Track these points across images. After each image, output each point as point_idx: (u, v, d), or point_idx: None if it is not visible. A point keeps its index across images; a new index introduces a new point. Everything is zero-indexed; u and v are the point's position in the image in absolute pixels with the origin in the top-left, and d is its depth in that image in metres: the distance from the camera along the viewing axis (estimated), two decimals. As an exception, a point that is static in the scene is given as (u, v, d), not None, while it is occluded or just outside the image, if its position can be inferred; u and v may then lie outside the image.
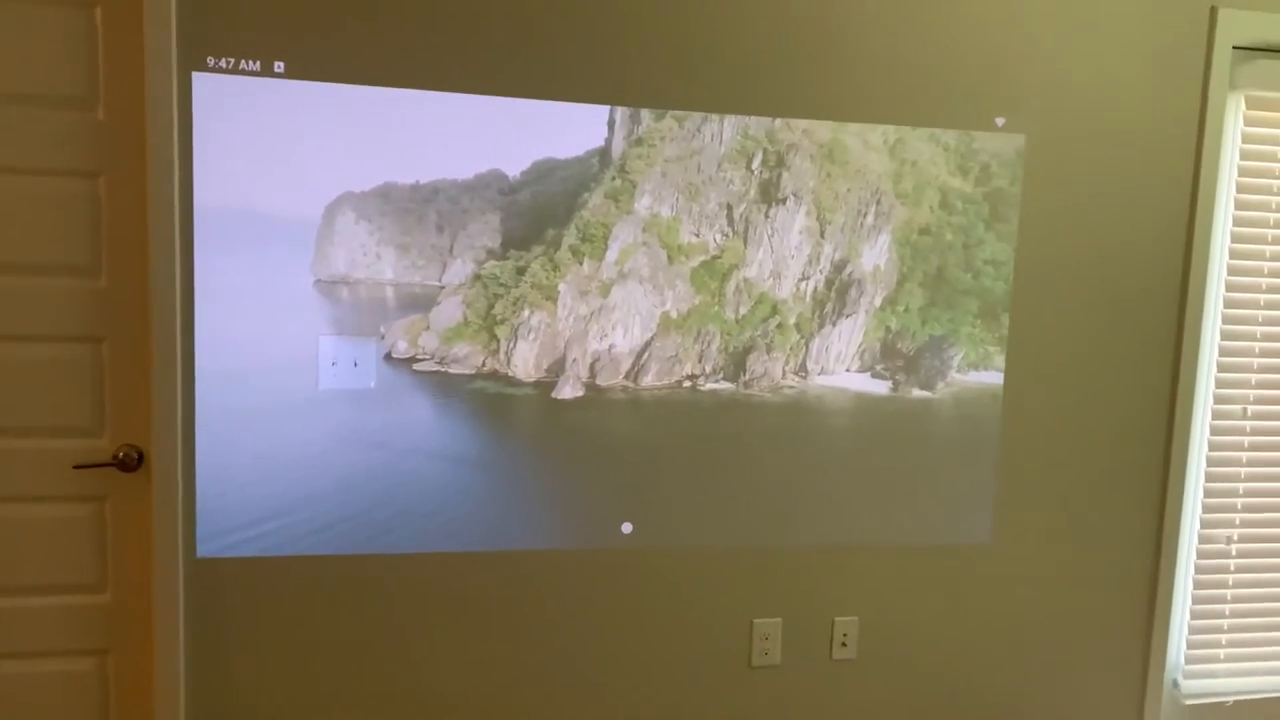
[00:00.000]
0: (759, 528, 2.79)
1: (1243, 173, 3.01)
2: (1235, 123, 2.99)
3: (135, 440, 2.45)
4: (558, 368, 2.63)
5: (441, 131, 2.47)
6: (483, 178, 2.51)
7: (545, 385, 2.63)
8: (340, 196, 2.44)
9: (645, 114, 2.59)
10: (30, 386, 2.40)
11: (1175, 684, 3.16)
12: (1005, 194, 2.82)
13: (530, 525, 2.66)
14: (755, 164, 2.67)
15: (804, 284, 2.75)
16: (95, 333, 2.41)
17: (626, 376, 2.67)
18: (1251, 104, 3.00)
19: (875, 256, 2.77)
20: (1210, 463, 3.09)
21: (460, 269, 2.54)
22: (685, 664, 2.80)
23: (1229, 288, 3.04)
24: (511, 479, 2.63)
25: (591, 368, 2.65)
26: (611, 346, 2.65)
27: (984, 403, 2.89)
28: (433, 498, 2.58)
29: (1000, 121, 2.79)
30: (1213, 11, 2.87)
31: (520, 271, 2.57)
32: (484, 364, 2.59)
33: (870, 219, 2.76)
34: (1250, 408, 3.10)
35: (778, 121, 2.67)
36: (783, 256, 2.72)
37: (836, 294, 2.77)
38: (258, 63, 2.36)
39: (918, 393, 2.85)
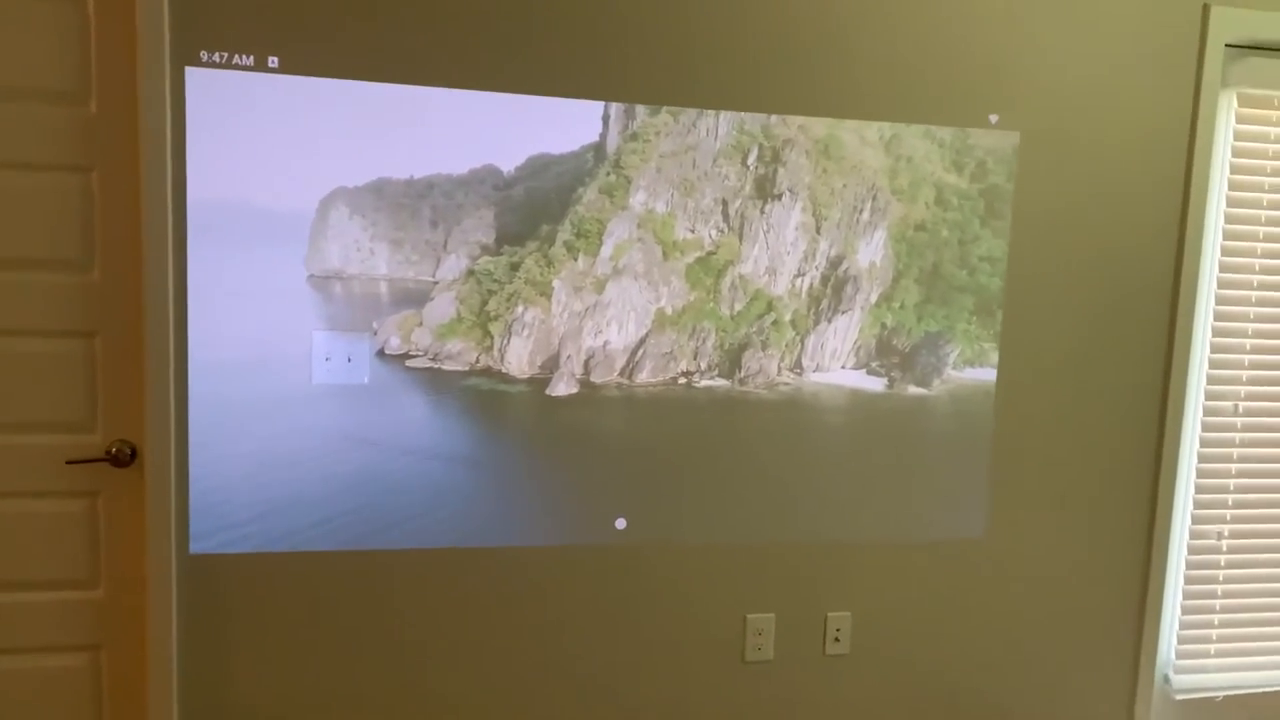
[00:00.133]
0: (753, 523, 2.80)
1: (1235, 170, 3.02)
2: (1227, 120, 3.00)
3: (128, 435, 2.44)
4: (552, 364, 2.62)
5: (436, 127, 2.46)
6: (477, 173, 2.50)
7: (539, 382, 2.62)
8: (334, 191, 2.44)
9: (640, 109, 2.58)
10: (23, 381, 2.39)
11: (1166, 679, 3.17)
12: (1001, 190, 2.82)
13: (524, 522, 2.65)
14: (751, 159, 2.67)
15: (800, 280, 2.75)
16: (88, 328, 2.40)
17: (621, 373, 2.67)
18: (1244, 101, 3.00)
19: (871, 253, 2.77)
20: (1201, 459, 3.10)
21: (454, 264, 2.54)
22: (678, 659, 2.81)
23: (1221, 284, 3.05)
24: (505, 476, 2.63)
25: (586, 364, 2.64)
26: (606, 343, 2.65)
27: (978, 399, 2.89)
28: (426, 494, 2.58)
29: (994, 119, 2.79)
30: (1205, 9, 2.87)
31: (514, 267, 2.56)
32: (477, 360, 2.58)
33: (866, 215, 2.75)
34: (1241, 404, 3.11)
35: (773, 117, 2.66)
36: (778, 253, 2.72)
37: (832, 290, 2.77)
38: (251, 57, 2.35)
39: (913, 390, 2.86)
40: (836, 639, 2.90)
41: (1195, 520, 3.12)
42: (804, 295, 2.76)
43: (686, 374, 2.72)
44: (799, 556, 2.84)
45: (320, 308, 2.48)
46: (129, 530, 2.47)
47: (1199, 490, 3.12)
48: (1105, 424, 2.99)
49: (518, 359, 2.60)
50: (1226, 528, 3.15)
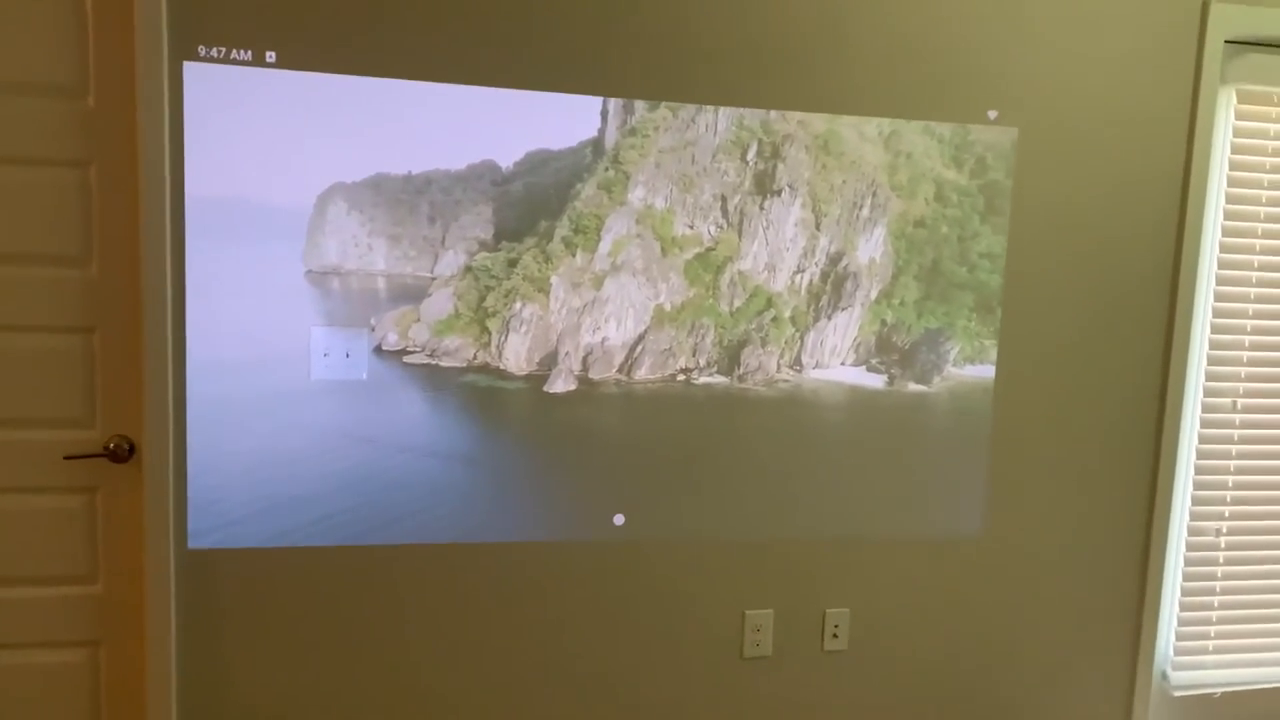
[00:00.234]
0: (751, 520, 2.80)
1: (1234, 166, 3.02)
2: (1226, 116, 2.99)
3: (126, 431, 2.44)
4: (550, 361, 2.62)
5: (434, 122, 2.46)
6: (475, 168, 2.50)
7: (537, 379, 2.62)
8: (332, 187, 2.43)
9: (639, 104, 2.58)
10: (21, 377, 2.39)
11: (1164, 675, 3.17)
12: (1000, 187, 2.82)
13: (522, 518, 2.65)
14: (750, 155, 2.67)
15: (799, 277, 2.75)
16: (86, 323, 2.40)
17: (619, 370, 2.67)
18: (1243, 98, 3.00)
19: (871, 249, 2.77)
20: (1200, 455, 3.10)
21: (452, 260, 2.53)
22: (677, 655, 2.81)
23: (1219, 280, 3.05)
24: (503, 473, 2.62)
25: (584, 361, 2.64)
26: (604, 340, 2.65)
27: (977, 396, 2.89)
28: (424, 491, 2.58)
29: (992, 115, 2.79)
30: (1204, 6, 2.87)
31: (512, 263, 2.56)
32: (475, 357, 2.58)
33: (866, 211, 2.75)
34: (1240, 400, 3.11)
35: (773, 112, 2.66)
36: (778, 249, 2.72)
37: (832, 287, 2.77)
38: (249, 52, 2.35)
39: (913, 387, 2.85)
40: (835, 635, 2.90)
41: (1194, 516, 3.12)
42: (803, 292, 2.75)
43: (685, 371, 2.71)
44: (797, 553, 2.84)
45: (318, 303, 2.47)
46: (128, 526, 2.47)
47: (1197, 486, 3.11)
48: (1104, 421, 2.99)
49: (515, 355, 2.60)
50: (1225, 524, 3.15)
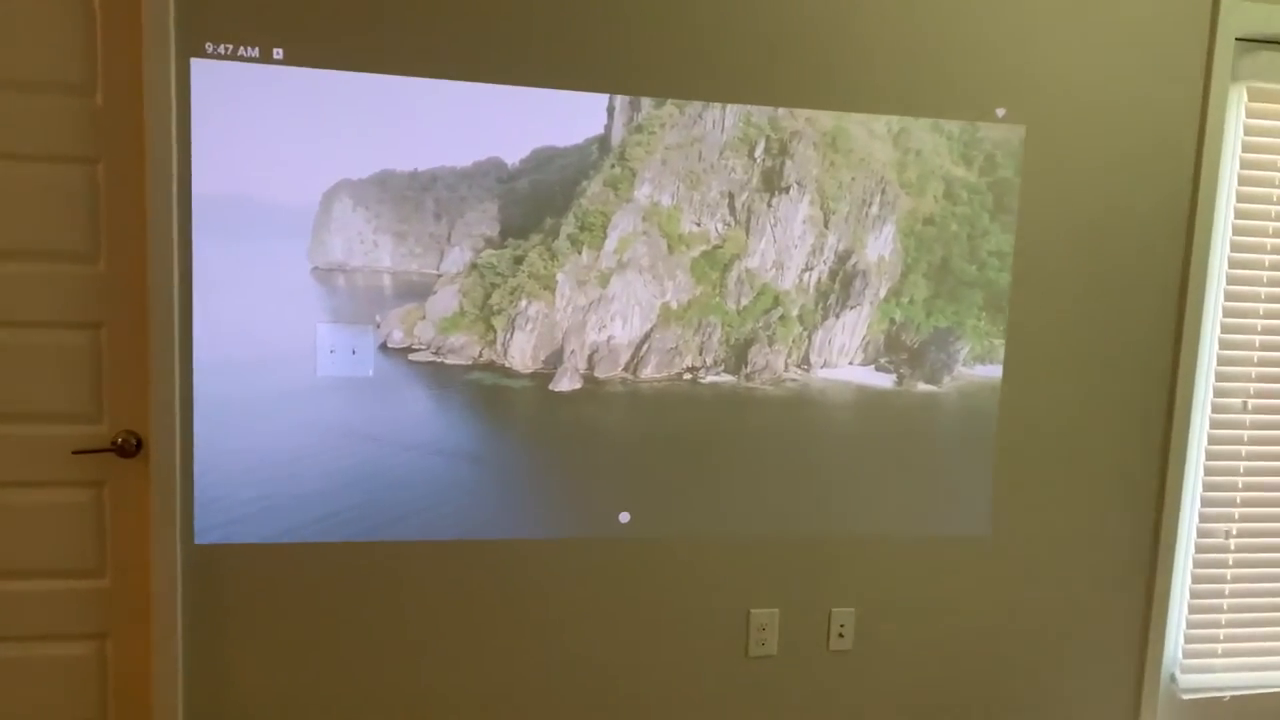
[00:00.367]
0: (757, 518, 2.79)
1: (1244, 165, 2.99)
2: (1237, 114, 2.97)
3: (134, 426, 2.46)
4: (555, 359, 2.62)
5: (440, 119, 2.46)
6: (481, 165, 2.50)
7: (543, 377, 2.62)
8: (338, 183, 2.44)
9: (645, 100, 2.57)
10: (30, 372, 2.40)
11: (1173, 678, 3.16)
12: (1010, 184, 2.80)
13: (526, 516, 2.65)
14: (758, 152, 2.66)
15: (807, 275, 2.73)
16: (94, 319, 2.41)
17: (625, 368, 2.66)
18: (1254, 96, 2.97)
19: (880, 247, 2.76)
20: (1210, 456, 3.08)
21: (458, 257, 2.53)
22: (682, 653, 2.81)
23: (1230, 280, 3.03)
24: (508, 471, 2.62)
25: (590, 359, 2.64)
26: (610, 338, 2.64)
27: (986, 396, 2.87)
28: (429, 490, 2.58)
29: (1000, 112, 2.77)
30: (1215, 3, 2.84)
31: (518, 260, 2.56)
32: (480, 355, 2.58)
33: (875, 208, 2.74)
34: (1250, 401, 3.09)
35: (781, 109, 2.65)
36: (785, 247, 2.71)
37: (840, 285, 2.75)
38: (256, 49, 2.35)
39: (923, 386, 2.84)
40: (840, 635, 2.89)
41: (1203, 518, 3.10)
42: (811, 290, 2.74)
43: (692, 369, 2.71)
44: (803, 552, 2.84)
45: (324, 300, 2.48)
46: (135, 520, 2.49)
47: (1207, 488, 3.09)
48: (1112, 421, 2.97)
49: (521, 353, 2.60)
50: (1235, 526, 3.13)
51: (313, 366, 2.49)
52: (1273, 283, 3.05)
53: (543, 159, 2.52)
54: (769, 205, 2.68)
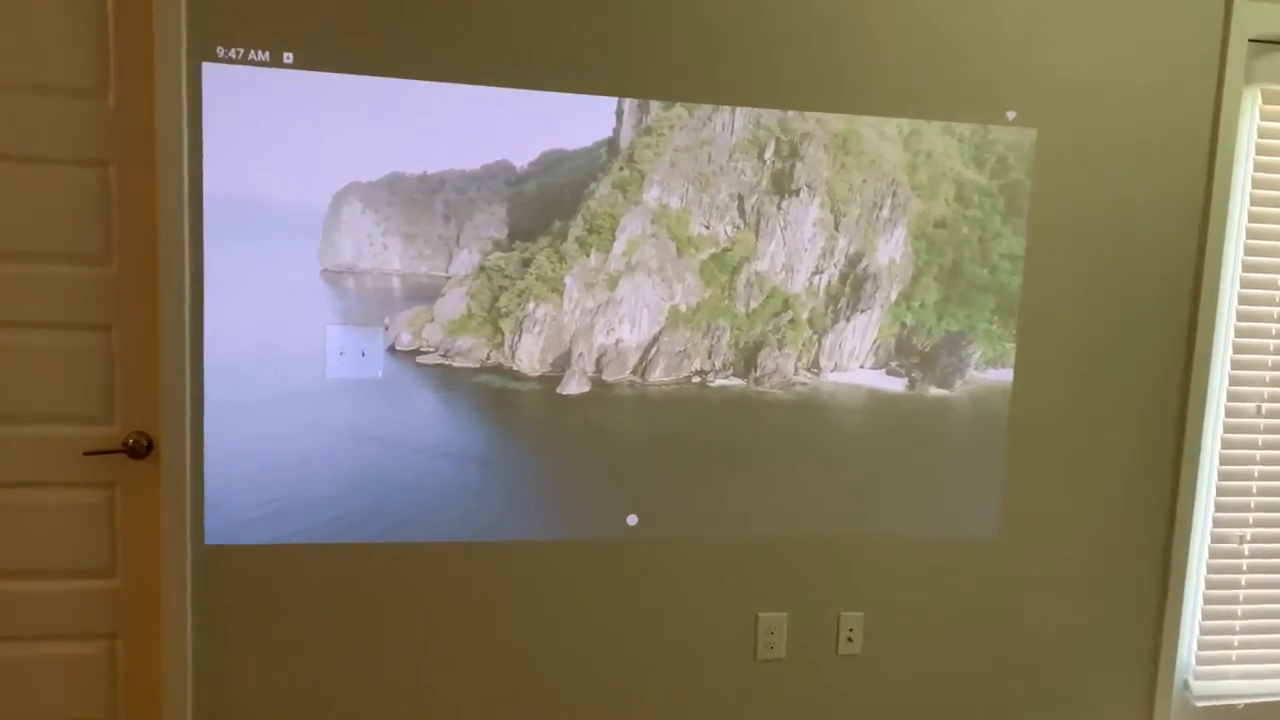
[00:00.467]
0: (766, 522, 2.78)
1: (1258, 167, 2.98)
2: (1251, 116, 2.95)
3: (145, 427, 2.47)
4: (563, 362, 2.62)
5: (449, 122, 2.47)
6: (490, 168, 2.50)
7: (550, 380, 2.62)
8: (347, 186, 2.45)
9: (654, 103, 2.57)
10: (42, 374, 2.42)
11: (1186, 685, 3.13)
12: (1022, 187, 2.79)
13: (534, 518, 2.65)
14: (768, 154, 2.65)
15: (817, 278, 2.73)
16: (105, 320, 2.43)
17: (633, 371, 2.66)
18: (1268, 98, 2.95)
19: (891, 250, 2.75)
20: (1223, 460, 3.06)
21: (466, 260, 2.54)
22: (690, 657, 2.80)
23: (1244, 284, 3.01)
24: (516, 474, 2.62)
25: (598, 362, 2.64)
26: (618, 341, 2.64)
27: (997, 400, 2.86)
28: (437, 493, 2.58)
29: (1011, 115, 2.76)
30: (1228, 4, 2.83)
31: (526, 263, 2.56)
32: (488, 357, 2.58)
33: (886, 211, 2.73)
34: (1265, 405, 3.06)
35: (790, 111, 2.64)
36: (795, 249, 2.70)
37: (851, 288, 2.74)
38: (267, 53, 2.37)
39: (935, 391, 2.82)
40: (849, 639, 2.88)
41: (1216, 523, 3.08)
42: (822, 293, 2.73)
43: (700, 373, 2.70)
44: (812, 556, 2.83)
45: (333, 302, 2.49)
46: (146, 521, 2.50)
47: (1220, 492, 3.07)
48: (1124, 425, 2.95)
49: (529, 356, 2.60)
50: (1249, 530, 3.10)
51: (322, 368, 2.50)
52: (1287, 286, 3.03)
53: (551, 162, 2.53)
54: (779, 208, 2.67)
